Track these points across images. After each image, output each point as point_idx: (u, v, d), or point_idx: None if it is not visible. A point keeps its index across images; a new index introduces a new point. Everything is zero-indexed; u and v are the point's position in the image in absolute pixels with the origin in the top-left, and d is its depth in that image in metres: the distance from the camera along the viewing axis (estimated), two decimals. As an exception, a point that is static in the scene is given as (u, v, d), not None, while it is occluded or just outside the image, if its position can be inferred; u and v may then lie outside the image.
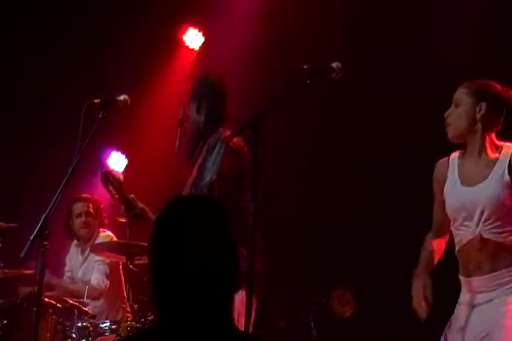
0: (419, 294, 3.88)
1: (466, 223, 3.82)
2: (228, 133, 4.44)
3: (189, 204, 2.25)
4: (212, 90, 4.64)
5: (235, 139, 4.35)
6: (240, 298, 4.04)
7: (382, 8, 6.79)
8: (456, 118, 3.90)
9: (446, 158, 4.00)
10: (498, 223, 3.76)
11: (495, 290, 3.75)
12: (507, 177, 3.75)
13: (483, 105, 3.84)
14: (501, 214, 3.75)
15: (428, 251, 4.04)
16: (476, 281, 3.80)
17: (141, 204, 4.67)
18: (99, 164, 7.49)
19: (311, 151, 7.03)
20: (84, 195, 6.51)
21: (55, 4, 7.52)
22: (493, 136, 3.90)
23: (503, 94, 3.89)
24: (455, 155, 3.98)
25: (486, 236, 3.76)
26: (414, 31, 6.64)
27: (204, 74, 4.81)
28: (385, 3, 6.81)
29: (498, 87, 3.91)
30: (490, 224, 3.76)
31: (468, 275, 3.84)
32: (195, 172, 4.51)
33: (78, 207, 6.40)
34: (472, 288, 3.81)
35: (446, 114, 3.95)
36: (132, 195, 4.68)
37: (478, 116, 3.85)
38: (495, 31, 6.36)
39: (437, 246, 4.04)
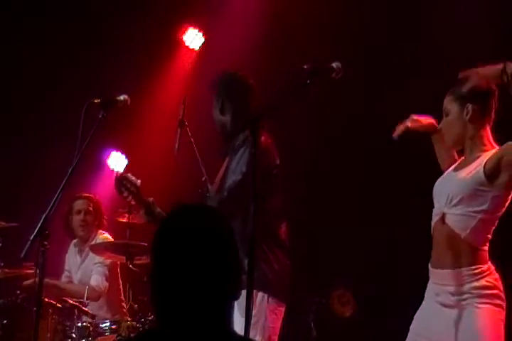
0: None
1: (436, 209, 3.91)
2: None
3: (191, 211, 2.26)
4: (236, 88, 4.37)
5: (262, 138, 4.12)
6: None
7: (382, 8, 6.79)
8: (448, 127, 3.96)
9: None
10: (461, 210, 3.80)
11: (461, 291, 3.76)
12: (481, 170, 3.78)
13: (469, 106, 3.87)
14: (466, 203, 3.79)
15: None
16: (439, 274, 3.85)
17: (158, 209, 4.33)
18: (99, 164, 7.51)
19: (311, 151, 7.03)
20: (86, 194, 6.52)
21: (55, 4, 7.52)
22: (487, 133, 3.92)
23: (484, 87, 3.90)
24: None
25: (446, 220, 3.83)
26: (414, 31, 6.64)
27: (224, 72, 4.53)
28: (385, 4, 6.81)
29: (478, 81, 3.93)
30: (455, 207, 3.81)
31: (433, 266, 3.90)
32: (221, 173, 4.37)
33: (78, 204, 6.42)
34: (435, 280, 3.87)
35: (439, 126, 4.05)
36: (152, 199, 4.34)
37: (467, 118, 3.88)
38: (496, 31, 6.36)
39: None
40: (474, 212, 3.79)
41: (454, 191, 3.82)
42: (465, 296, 3.74)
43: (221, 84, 4.42)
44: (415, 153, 6.43)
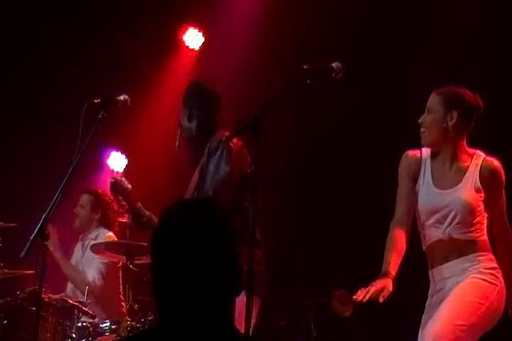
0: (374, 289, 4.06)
1: (437, 225, 4.00)
2: (228, 134, 4.45)
3: (190, 207, 2.24)
4: (202, 96, 4.59)
5: (235, 140, 4.37)
6: (240, 299, 4.07)
7: (382, 8, 6.79)
8: (429, 125, 4.04)
9: (419, 151, 4.12)
10: (467, 225, 3.94)
11: (464, 274, 3.90)
12: (478, 183, 3.92)
13: (455, 113, 3.96)
14: (471, 218, 3.94)
15: (395, 250, 4.21)
16: (444, 268, 3.95)
17: (147, 213, 4.65)
18: (100, 164, 7.51)
19: (310, 151, 7.03)
20: (93, 189, 6.56)
21: (55, 4, 7.52)
22: (465, 142, 4.05)
23: (474, 102, 4.01)
24: (426, 153, 4.10)
25: (455, 236, 3.95)
26: (415, 31, 6.64)
27: (192, 81, 4.80)
28: (386, 3, 6.81)
29: (469, 94, 4.03)
30: (460, 226, 3.94)
31: (437, 265, 3.99)
32: (196, 175, 4.53)
33: (80, 199, 6.48)
34: (441, 275, 3.96)
35: (420, 121, 4.11)
36: (139, 204, 4.66)
37: (450, 124, 3.97)
38: (496, 32, 6.36)
39: (401, 242, 4.17)
40: (478, 222, 3.95)
41: (460, 210, 3.94)
42: (470, 269, 3.89)
43: (188, 92, 4.65)
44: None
